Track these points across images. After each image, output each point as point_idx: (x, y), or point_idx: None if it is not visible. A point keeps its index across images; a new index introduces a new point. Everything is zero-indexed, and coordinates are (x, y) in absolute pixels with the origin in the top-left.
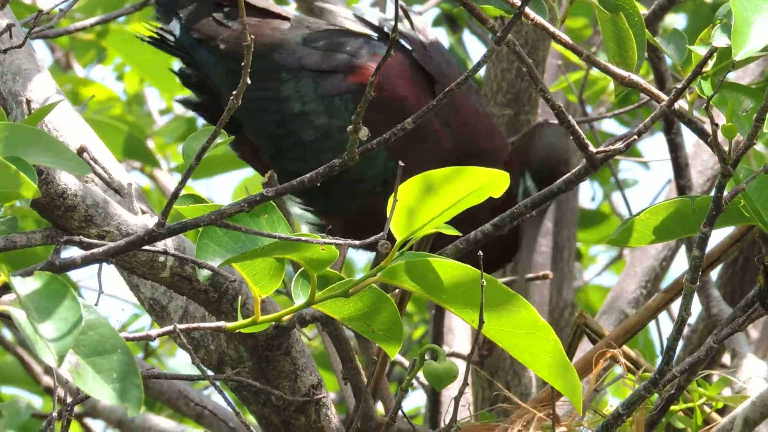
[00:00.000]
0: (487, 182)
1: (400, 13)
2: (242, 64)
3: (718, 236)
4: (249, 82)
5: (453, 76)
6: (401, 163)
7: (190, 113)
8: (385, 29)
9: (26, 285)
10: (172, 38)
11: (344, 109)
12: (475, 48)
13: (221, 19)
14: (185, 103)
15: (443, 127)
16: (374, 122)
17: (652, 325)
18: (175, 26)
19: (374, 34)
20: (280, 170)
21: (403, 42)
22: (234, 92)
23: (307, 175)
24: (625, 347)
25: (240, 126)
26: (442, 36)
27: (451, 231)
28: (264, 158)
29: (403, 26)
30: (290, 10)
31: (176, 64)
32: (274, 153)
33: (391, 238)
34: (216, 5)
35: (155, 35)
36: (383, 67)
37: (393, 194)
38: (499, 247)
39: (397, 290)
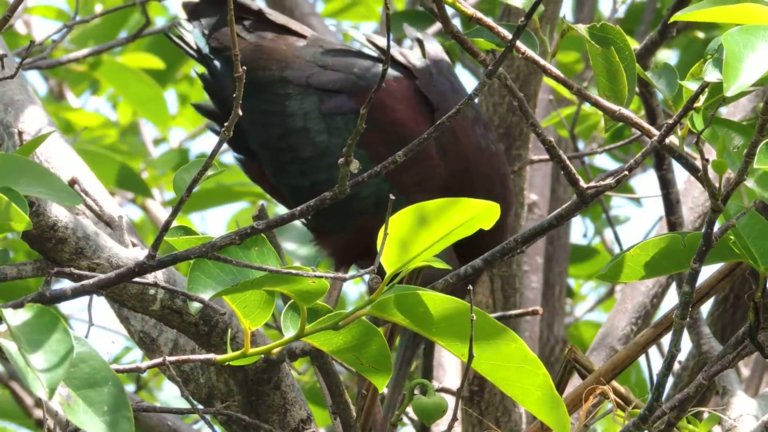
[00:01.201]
0: (479, 214)
1: (413, 41)
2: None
3: (709, 272)
4: (253, 98)
5: (456, 105)
6: (392, 197)
7: (185, 144)
8: (395, 54)
9: (17, 316)
10: (194, 44)
11: (344, 128)
12: (468, 82)
13: (239, 31)
14: (199, 108)
15: (440, 154)
16: (372, 142)
17: (643, 361)
18: (196, 32)
19: (383, 58)
20: (280, 184)
21: (410, 69)
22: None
23: (298, 209)
24: (614, 383)
25: (248, 142)
26: None
27: (441, 264)
28: (266, 171)
29: (414, 54)
30: (309, 29)
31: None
32: (274, 166)
33: (381, 269)
34: (238, 18)
35: (179, 38)
36: (388, 90)
37: (384, 226)
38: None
39: (387, 323)
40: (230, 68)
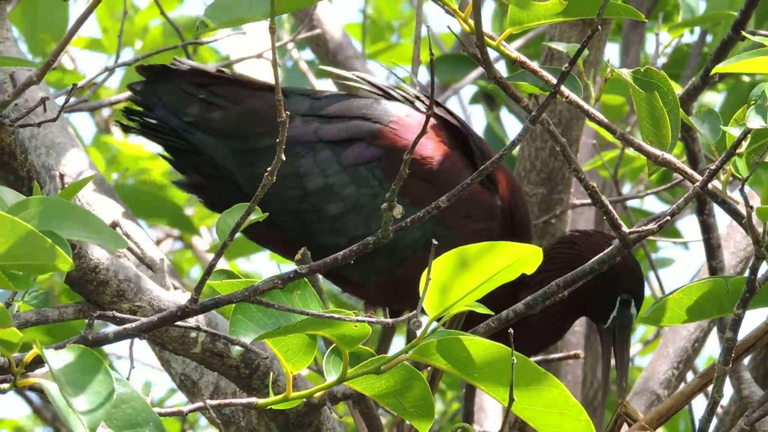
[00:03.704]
0: (521, 258)
1: (400, 80)
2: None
3: (750, 316)
4: (255, 166)
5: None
6: (435, 242)
7: None
8: (392, 93)
9: (59, 358)
10: (156, 125)
11: (372, 177)
12: (513, 126)
13: (208, 98)
14: (181, 185)
15: (482, 184)
16: (407, 185)
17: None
18: (159, 112)
19: (381, 94)
20: (313, 245)
21: (412, 101)
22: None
23: (340, 253)
24: (660, 430)
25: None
26: (479, 113)
27: (483, 309)
28: (290, 234)
29: (408, 89)
30: (264, 79)
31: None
32: (301, 229)
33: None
34: (195, 85)
35: (138, 123)
36: (408, 127)
37: (427, 270)
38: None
39: (429, 367)
40: (217, 137)
